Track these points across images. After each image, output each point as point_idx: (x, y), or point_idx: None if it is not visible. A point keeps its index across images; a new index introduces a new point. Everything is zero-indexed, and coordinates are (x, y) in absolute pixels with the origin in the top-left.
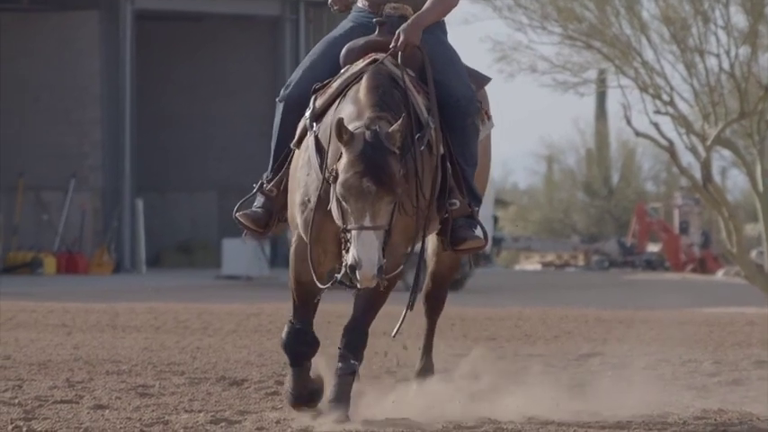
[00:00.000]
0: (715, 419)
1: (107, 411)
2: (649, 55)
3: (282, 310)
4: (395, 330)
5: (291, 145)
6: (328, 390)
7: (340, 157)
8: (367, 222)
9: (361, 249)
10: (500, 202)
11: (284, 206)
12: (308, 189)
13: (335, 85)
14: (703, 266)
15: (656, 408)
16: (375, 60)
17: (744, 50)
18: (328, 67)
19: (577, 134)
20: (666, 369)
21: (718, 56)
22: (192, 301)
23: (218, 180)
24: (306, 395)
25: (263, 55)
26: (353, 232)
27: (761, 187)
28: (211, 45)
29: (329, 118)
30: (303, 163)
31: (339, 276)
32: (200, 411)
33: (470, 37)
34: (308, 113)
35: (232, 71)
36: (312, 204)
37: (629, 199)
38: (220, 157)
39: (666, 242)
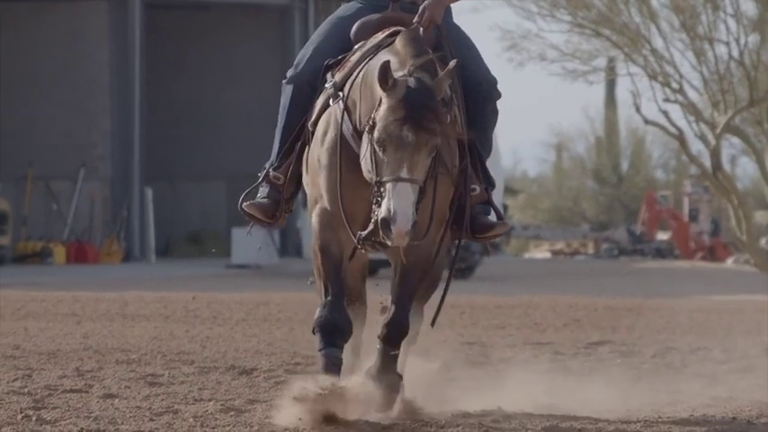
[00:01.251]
0: (725, 407)
1: (116, 400)
2: (659, 43)
3: (292, 299)
4: (432, 320)
5: (309, 125)
6: (371, 365)
7: (379, 105)
8: (404, 174)
9: (397, 201)
10: (509, 191)
11: (292, 195)
12: (334, 149)
13: (354, 58)
14: (713, 254)
15: (666, 396)
16: (396, 32)
17: (753, 38)
18: (338, 46)
19: (587, 122)
20: (676, 357)
21: (727, 44)
22: (201, 290)
23: (228, 169)
24: (337, 377)
25: (273, 44)
26: (389, 184)
27: None
28: (220, 34)
29: (358, 76)
30: (326, 128)
31: (364, 234)
32: (209, 400)
33: (479, 26)
34: (328, 84)
35: (241, 60)
36: (337, 163)
37: (638, 187)
38: (229, 146)
39: (676, 230)
